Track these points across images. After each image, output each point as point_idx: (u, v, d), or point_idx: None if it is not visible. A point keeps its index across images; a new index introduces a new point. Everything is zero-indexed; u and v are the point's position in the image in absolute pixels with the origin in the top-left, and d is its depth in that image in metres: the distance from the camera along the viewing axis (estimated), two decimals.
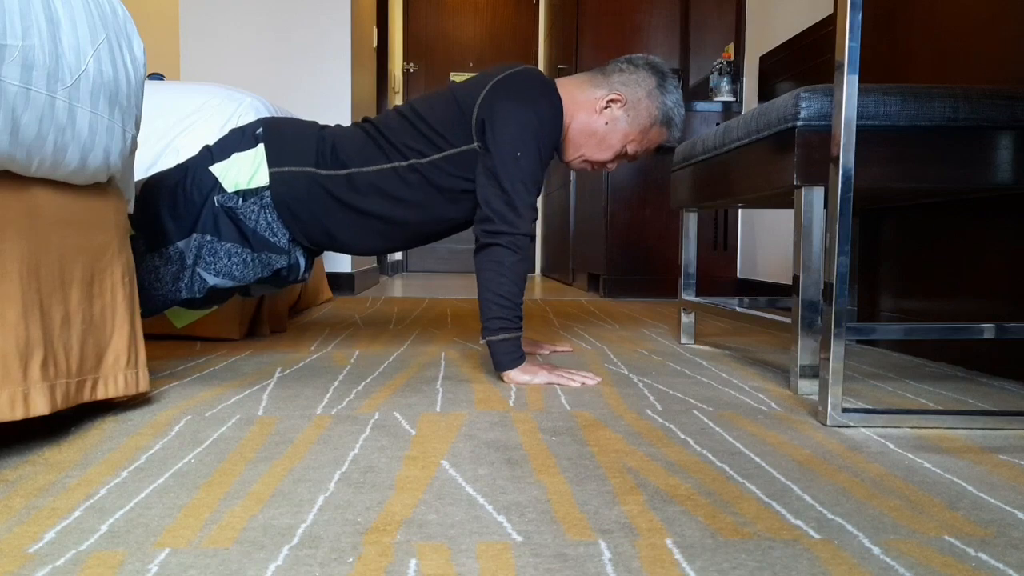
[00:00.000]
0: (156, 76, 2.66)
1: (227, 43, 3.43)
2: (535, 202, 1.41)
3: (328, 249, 1.54)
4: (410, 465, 0.87)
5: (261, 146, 1.45)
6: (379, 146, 1.46)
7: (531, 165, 1.39)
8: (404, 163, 1.44)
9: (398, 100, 5.62)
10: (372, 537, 0.66)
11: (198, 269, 1.40)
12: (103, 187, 1.09)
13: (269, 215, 1.43)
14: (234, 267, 1.42)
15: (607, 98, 1.48)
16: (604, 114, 1.49)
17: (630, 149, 1.52)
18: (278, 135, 1.47)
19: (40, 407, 0.89)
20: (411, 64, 5.75)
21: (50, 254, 0.95)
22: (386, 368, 1.53)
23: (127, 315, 1.11)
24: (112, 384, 1.06)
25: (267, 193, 1.42)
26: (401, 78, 5.64)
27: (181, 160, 1.99)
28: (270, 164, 1.43)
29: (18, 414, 0.86)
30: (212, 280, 1.41)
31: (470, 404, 1.20)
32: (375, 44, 4.35)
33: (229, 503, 0.74)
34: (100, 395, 1.04)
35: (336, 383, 1.36)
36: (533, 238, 1.40)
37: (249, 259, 1.43)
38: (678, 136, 1.53)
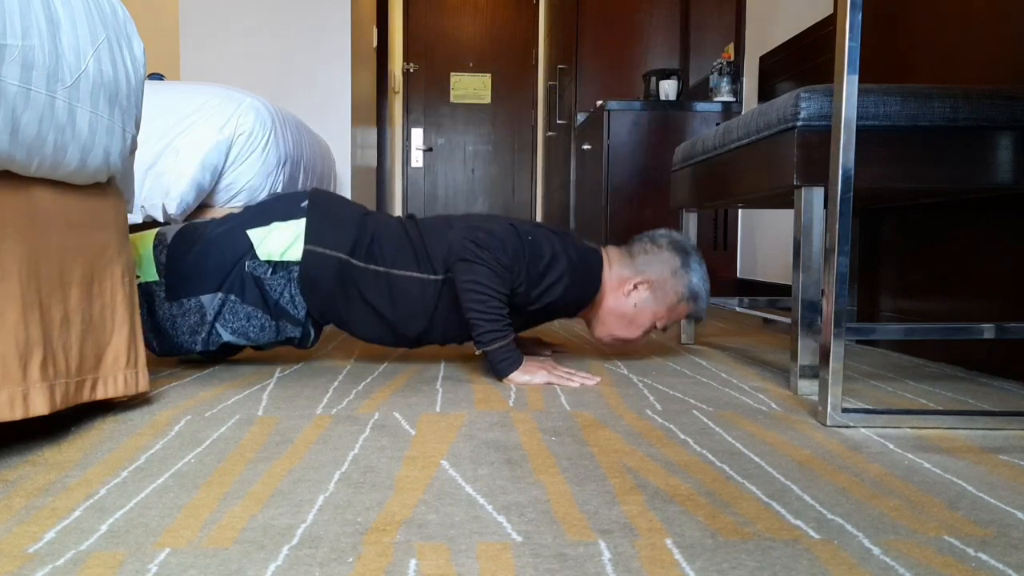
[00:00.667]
0: (156, 76, 2.66)
1: (227, 43, 3.43)
2: (503, 261, 1.38)
3: (333, 324, 1.54)
4: (410, 465, 0.87)
5: (303, 221, 1.45)
6: (415, 253, 1.47)
7: (530, 250, 1.41)
8: (437, 277, 1.45)
9: (398, 100, 5.63)
10: (372, 537, 0.66)
11: (216, 325, 1.42)
12: (103, 187, 1.09)
13: (294, 289, 1.44)
14: (251, 329, 1.44)
15: (634, 281, 1.51)
16: (632, 296, 1.52)
17: (659, 324, 1.55)
18: (323, 214, 1.47)
19: (40, 407, 0.89)
20: (411, 64, 5.75)
21: (50, 254, 0.95)
22: (386, 368, 1.53)
23: (127, 315, 1.11)
24: (112, 384, 1.06)
25: (296, 268, 1.43)
26: (401, 78, 5.65)
27: (181, 160, 1.99)
28: (307, 241, 1.43)
29: (18, 414, 0.86)
30: (227, 337, 1.43)
31: (470, 404, 1.20)
32: (375, 44, 4.35)
33: (229, 503, 0.74)
34: (100, 395, 1.04)
35: (336, 383, 1.36)
36: (502, 294, 1.38)
37: (267, 325, 1.44)
38: (704, 307, 1.56)
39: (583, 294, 1.49)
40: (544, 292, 1.44)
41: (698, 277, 1.52)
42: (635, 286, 1.51)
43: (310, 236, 1.44)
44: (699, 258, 1.54)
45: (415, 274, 1.45)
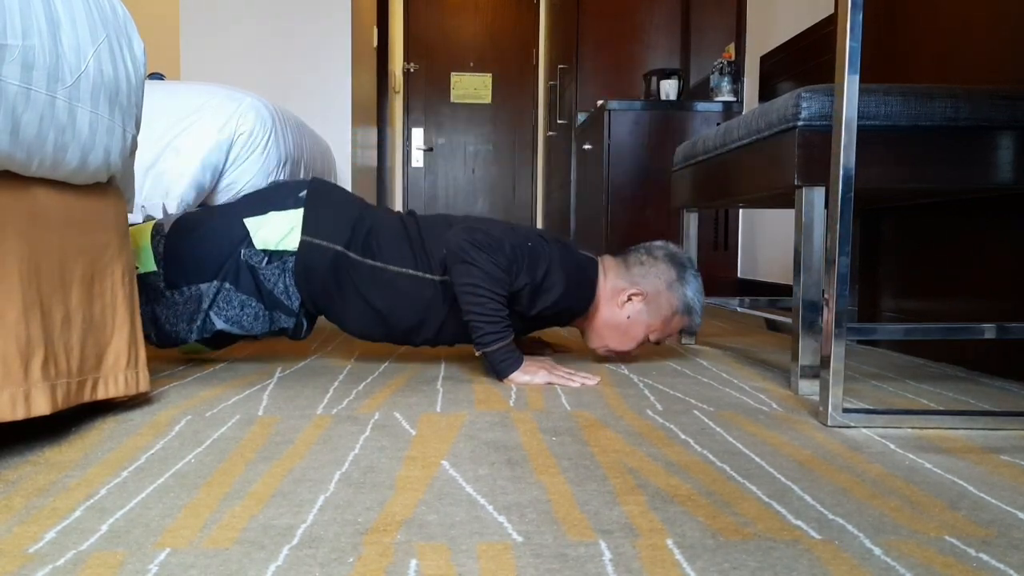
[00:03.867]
0: (156, 76, 2.66)
1: (227, 43, 3.43)
2: (500, 263, 1.37)
3: (325, 317, 1.53)
4: (410, 465, 0.87)
5: (300, 211, 1.45)
6: (413, 251, 1.46)
7: (531, 256, 1.41)
8: (435, 277, 1.45)
9: (398, 100, 5.62)
10: (372, 537, 0.66)
11: (211, 312, 1.42)
12: (103, 187, 1.09)
13: (288, 279, 1.44)
14: (244, 318, 1.43)
15: (629, 292, 1.50)
16: (626, 308, 1.51)
17: (652, 337, 1.55)
18: (320, 205, 1.47)
19: (41, 407, 0.89)
20: (411, 64, 5.75)
21: (50, 254, 0.95)
22: (386, 368, 1.52)
23: (127, 315, 1.11)
24: (112, 384, 1.06)
25: (291, 259, 1.43)
26: (401, 78, 5.64)
27: (181, 160, 1.99)
28: (304, 232, 1.43)
29: (19, 414, 0.86)
30: (220, 325, 1.43)
31: (470, 404, 1.20)
32: (375, 44, 4.35)
33: (229, 503, 0.74)
34: (101, 395, 1.04)
35: (336, 383, 1.36)
36: (501, 295, 1.37)
37: (260, 314, 1.44)
38: (699, 322, 1.55)
39: (577, 303, 1.49)
40: (539, 298, 1.44)
41: (692, 291, 1.52)
42: (629, 297, 1.50)
43: (307, 227, 1.44)
44: (695, 272, 1.54)
45: (412, 271, 1.45)
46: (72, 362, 0.98)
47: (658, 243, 1.58)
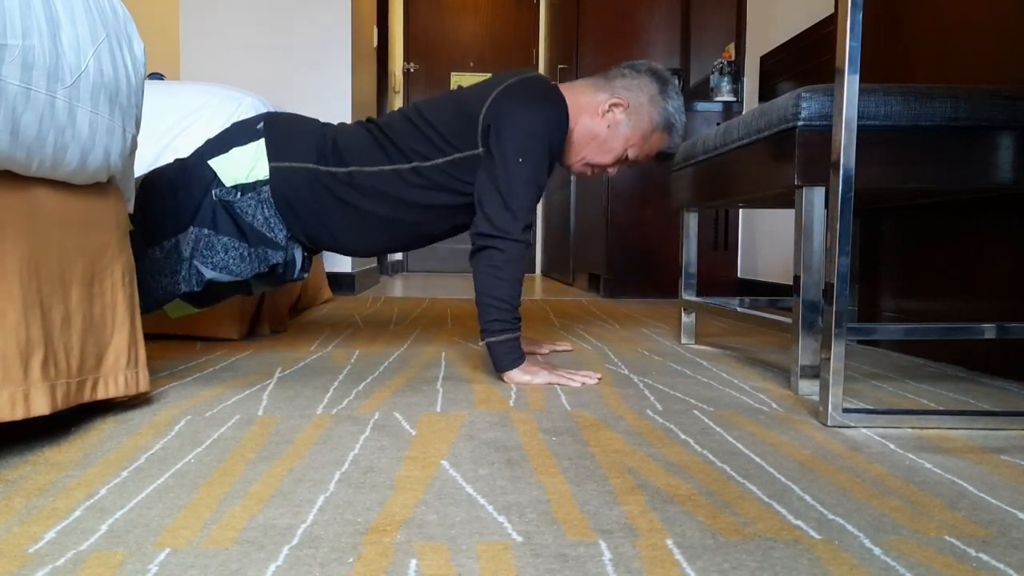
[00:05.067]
0: (156, 76, 2.66)
1: (227, 43, 3.43)
2: (533, 207, 1.41)
3: (327, 248, 1.55)
4: (410, 465, 0.87)
5: (261, 141, 1.45)
6: (382, 147, 1.47)
7: (532, 170, 1.39)
8: (407, 165, 1.45)
9: (398, 100, 5.62)
10: (372, 537, 0.66)
11: (195, 262, 1.41)
12: (103, 187, 1.09)
13: (267, 210, 1.43)
14: (231, 261, 1.42)
15: (609, 102, 1.49)
16: (606, 118, 1.50)
17: (631, 154, 1.53)
18: (280, 130, 1.47)
19: (41, 407, 0.89)
20: (411, 64, 5.75)
21: (50, 254, 0.95)
22: (386, 368, 1.52)
23: (127, 315, 1.11)
24: (112, 384, 1.06)
25: (265, 188, 1.43)
26: (401, 78, 5.64)
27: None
28: (271, 159, 1.43)
29: (19, 414, 0.86)
30: (209, 274, 1.42)
31: (470, 404, 1.20)
32: (375, 44, 4.35)
33: (229, 503, 0.74)
34: (100, 395, 1.04)
35: (336, 383, 1.36)
36: (527, 244, 1.40)
37: (246, 253, 1.43)
38: (679, 142, 1.54)
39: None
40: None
41: (674, 106, 1.51)
42: (610, 107, 1.49)
43: (272, 153, 1.44)
44: (678, 89, 1.53)
45: (386, 167, 1.45)
46: (72, 362, 0.98)
47: (641, 60, 1.57)
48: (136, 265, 1.41)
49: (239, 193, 1.42)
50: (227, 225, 1.42)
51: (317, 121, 1.54)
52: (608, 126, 1.49)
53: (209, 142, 1.50)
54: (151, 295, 1.43)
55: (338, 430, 1.02)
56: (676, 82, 1.53)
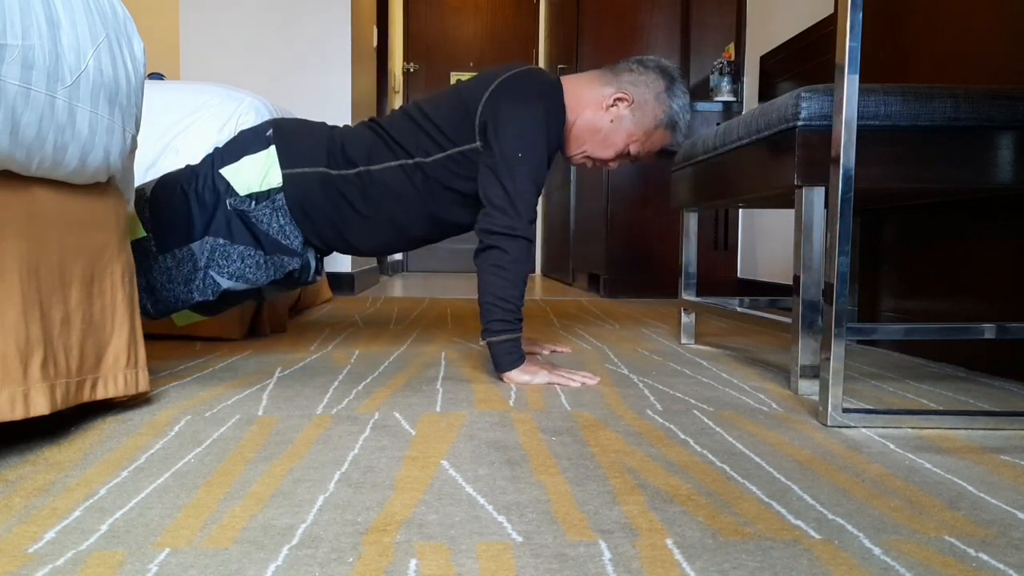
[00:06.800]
0: (156, 76, 2.65)
1: (227, 43, 3.43)
2: (535, 202, 1.42)
3: (338, 250, 1.55)
4: (410, 465, 0.87)
5: (272, 148, 1.46)
6: (386, 144, 1.48)
7: (532, 165, 1.40)
8: (410, 161, 1.46)
9: (398, 100, 5.62)
10: (372, 537, 0.66)
11: (210, 272, 1.41)
12: (103, 187, 1.09)
13: (282, 217, 1.44)
14: (247, 270, 1.43)
15: (614, 96, 1.49)
16: (610, 112, 1.50)
17: (633, 149, 1.53)
18: (290, 136, 1.48)
19: (40, 407, 0.89)
20: (411, 64, 5.75)
21: (50, 254, 0.95)
22: (386, 368, 1.52)
23: (127, 315, 1.11)
24: (112, 384, 1.06)
25: (279, 196, 1.43)
26: (401, 78, 5.64)
27: (181, 160, 1.99)
28: (283, 166, 1.44)
29: (18, 414, 0.86)
30: (226, 283, 1.42)
31: (470, 404, 1.19)
32: (375, 44, 4.35)
33: (229, 503, 0.74)
34: (100, 395, 1.04)
35: (336, 383, 1.36)
36: (532, 240, 1.40)
37: (262, 261, 1.44)
38: (682, 140, 1.54)
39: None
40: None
41: (679, 104, 1.50)
42: (615, 101, 1.49)
43: (284, 160, 1.44)
44: (685, 87, 1.52)
45: (392, 163, 1.46)
46: (71, 362, 0.98)
47: (650, 56, 1.57)
48: (148, 271, 1.41)
49: (253, 202, 1.43)
50: (243, 234, 1.43)
51: (324, 125, 1.54)
52: (611, 120, 1.49)
53: (218, 150, 1.50)
54: (162, 302, 1.43)
55: (338, 430, 1.02)
56: (684, 80, 1.53)
